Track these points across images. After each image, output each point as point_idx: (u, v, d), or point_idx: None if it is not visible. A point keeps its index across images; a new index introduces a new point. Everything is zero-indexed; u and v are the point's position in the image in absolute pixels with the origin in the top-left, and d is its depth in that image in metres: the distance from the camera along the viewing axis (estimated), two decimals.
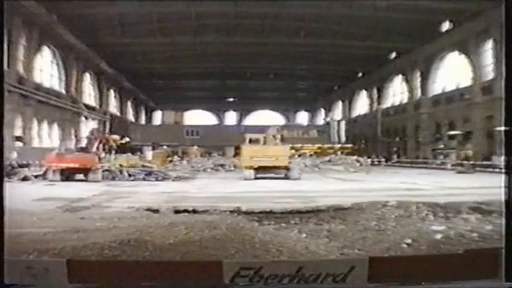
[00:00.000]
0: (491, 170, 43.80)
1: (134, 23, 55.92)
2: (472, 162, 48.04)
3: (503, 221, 5.73)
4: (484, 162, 46.46)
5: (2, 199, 5.71)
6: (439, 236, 10.77)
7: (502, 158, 45.16)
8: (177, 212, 14.64)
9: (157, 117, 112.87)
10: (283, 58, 72.78)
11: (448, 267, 6.05)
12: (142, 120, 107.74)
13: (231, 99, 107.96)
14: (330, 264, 5.76)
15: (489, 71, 50.58)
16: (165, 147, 66.36)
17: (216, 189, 27.08)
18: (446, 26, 55.44)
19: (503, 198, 5.67)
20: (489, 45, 49.98)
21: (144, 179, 33.34)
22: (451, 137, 59.17)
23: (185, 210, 14.75)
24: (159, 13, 53.90)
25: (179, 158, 58.72)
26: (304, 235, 11.35)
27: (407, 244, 10.14)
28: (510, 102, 5.64)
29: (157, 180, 33.37)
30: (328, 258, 8.69)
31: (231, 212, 14.36)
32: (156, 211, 14.83)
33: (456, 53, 57.89)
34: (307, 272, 5.37)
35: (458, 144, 57.26)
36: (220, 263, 5.50)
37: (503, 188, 5.64)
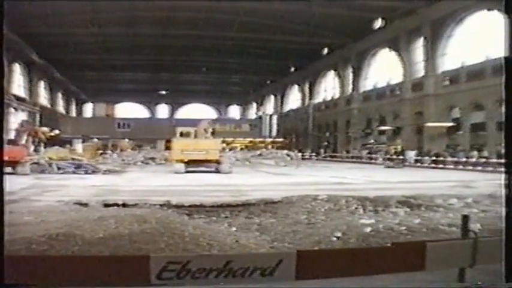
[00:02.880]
0: (419, 164, 44.99)
1: (66, 13, 54.88)
2: (400, 157, 49.01)
3: (503, 220, 5.82)
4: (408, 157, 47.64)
5: (2, 199, 5.48)
6: (368, 229, 10.91)
7: (413, 153, 46.88)
8: (106, 205, 14.44)
9: (89, 109, 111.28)
10: (216, 51, 72.93)
11: (376, 259, 6.12)
12: (73, 112, 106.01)
13: (163, 92, 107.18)
14: (258, 258, 5.75)
15: (419, 69, 51.67)
16: (95, 140, 65.40)
17: (146, 182, 26.90)
18: (378, 23, 56.13)
19: (503, 196, 5.75)
20: (420, 43, 51.02)
21: (73, 172, 32.78)
22: (381, 132, 60.32)
23: (115, 204, 14.57)
24: (92, 4, 52.92)
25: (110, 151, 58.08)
26: (235, 228, 11.36)
27: (337, 237, 10.26)
28: (510, 101, 5.73)
29: (87, 173, 32.86)
30: (256, 252, 8.70)
31: (161, 205, 14.24)
32: (85, 205, 14.59)
33: (387, 49, 58.90)
34: (235, 266, 5.34)
35: (388, 139, 58.37)
36: (148, 258, 5.42)
37: (504, 185, 5.72)
